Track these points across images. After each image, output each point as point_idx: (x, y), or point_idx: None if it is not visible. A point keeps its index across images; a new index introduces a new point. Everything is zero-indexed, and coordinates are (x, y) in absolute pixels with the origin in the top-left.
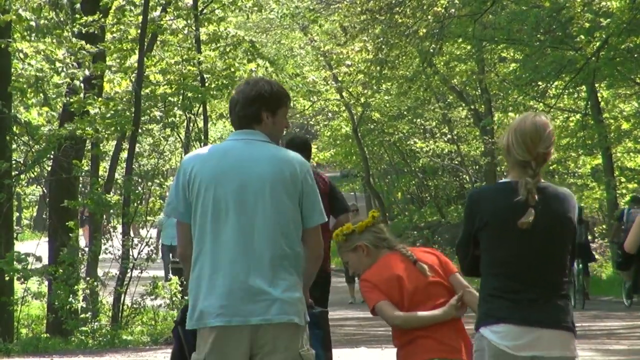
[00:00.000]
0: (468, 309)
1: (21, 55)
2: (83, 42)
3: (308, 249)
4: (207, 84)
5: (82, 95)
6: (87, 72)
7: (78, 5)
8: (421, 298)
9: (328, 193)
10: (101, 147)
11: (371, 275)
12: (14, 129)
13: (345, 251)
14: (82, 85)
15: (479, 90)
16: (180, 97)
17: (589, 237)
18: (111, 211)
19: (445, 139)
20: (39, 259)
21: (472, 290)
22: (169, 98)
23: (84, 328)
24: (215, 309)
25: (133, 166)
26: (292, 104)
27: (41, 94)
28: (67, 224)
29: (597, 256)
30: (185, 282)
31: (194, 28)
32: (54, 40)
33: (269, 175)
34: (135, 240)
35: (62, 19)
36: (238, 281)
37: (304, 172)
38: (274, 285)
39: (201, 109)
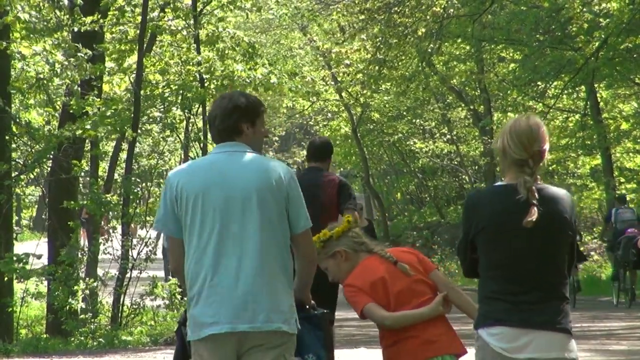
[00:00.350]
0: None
1: (19, 56)
2: (79, 45)
3: (299, 254)
4: (206, 84)
5: (78, 97)
6: (84, 74)
7: (77, 8)
8: (406, 297)
9: (337, 191)
10: (100, 148)
11: (355, 279)
12: (14, 129)
13: (324, 258)
14: (78, 88)
15: (478, 91)
16: (180, 97)
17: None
18: (110, 213)
19: (445, 140)
20: (39, 257)
21: (455, 287)
22: (168, 98)
23: (83, 329)
24: (208, 318)
25: (132, 166)
26: (291, 104)
27: (42, 94)
28: (68, 223)
29: (596, 257)
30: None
31: (192, 29)
32: (52, 42)
33: (255, 184)
34: (135, 241)
35: (61, 19)
36: (228, 290)
37: (288, 178)
38: (264, 293)
39: (200, 109)
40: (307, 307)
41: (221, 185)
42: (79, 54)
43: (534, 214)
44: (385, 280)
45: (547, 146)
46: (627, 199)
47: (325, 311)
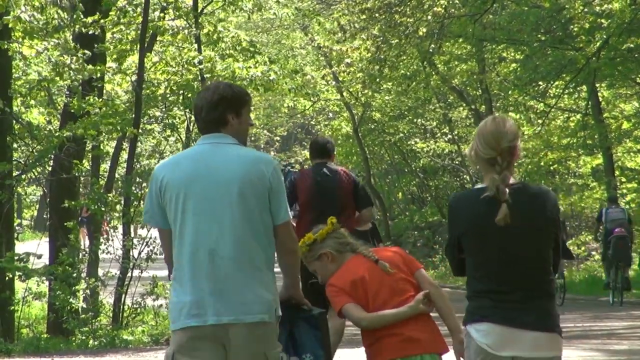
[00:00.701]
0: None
1: (20, 56)
2: (77, 46)
3: (279, 244)
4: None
5: (79, 97)
6: (84, 75)
7: (78, 11)
8: (386, 296)
9: (352, 189)
10: (102, 148)
11: (336, 280)
12: (15, 128)
13: (311, 260)
14: (80, 87)
15: (480, 90)
16: (181, 97)
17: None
18: (112, 213)
19: (446, 139)
20: (39, 257)
21: (439, 289)
22: (169, 98)
23: (84, 328)
24: (190, 309)
25: (133, 166)
26: (292, 104)
27: (44, 94)
28: (64, 224)
29: (597, 256)
30: None
31: (194, 28)
32: (52, 43)
33: (237, 176)
34: (135, 241)
35: (63, 19)
36: (211, 282)
37: (270, 170)
38: (246, 285)
39: None
40: (305, 307)
41: (205, 177)
42: (78, 55)
43: (503, 212)
44: (365, 278)
45: (517, 142)
46: (619, 199)
47: (323, 311)
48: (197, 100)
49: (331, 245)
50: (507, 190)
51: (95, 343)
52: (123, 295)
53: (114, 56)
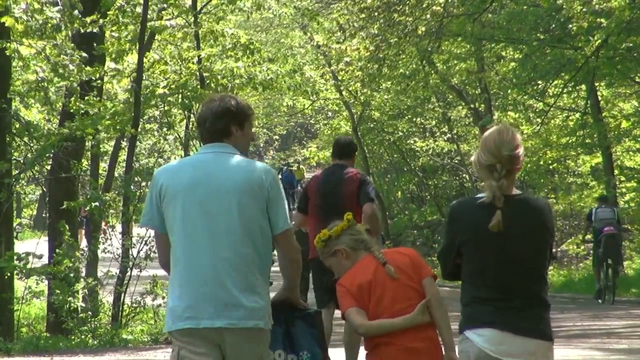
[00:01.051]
0: None
1: (17, 55)
2: (74, 47)
3: (281, 253)
4: (207, 83)
5: (77, 97)
6: (82, 76)
7: (76, 12)
8: (388, 302)
9: (357, 189)
10: (101, 147)
11: (345, 280)
12: (15, 125)
13: (326, 256)
14: (78, 87)
15: (479, 89)
16: (180, 97)
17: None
18: (111, 211)
19: (445, 138)
20: (39, 257)
21: (440, 302)
22: (168, 98)
23: (84, 327)
24: (185, 312)
25: (133, 164)
26: (292, 103)
27: (42, 93)
28: (57, 225)
29: None
30: None
31: (192, 27)
32: (51, 43)
33: (237, 185)
34: (134, 240)
35: (62, 19)
36: (207, 286)
37: (269, 180)
38: (241, 291)
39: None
40: (299, 308)
41: (205, 185)
42: (75, 57)
43: (497, 218)
44: (371, 282)
45: (519, 151)
46: (618, 198)
47: (319, 310)
48: (202, 112)
49: (346, 242)
50: (503, 197)
51: (95, 342)
52: (122, 295)
53: (113, 55)
